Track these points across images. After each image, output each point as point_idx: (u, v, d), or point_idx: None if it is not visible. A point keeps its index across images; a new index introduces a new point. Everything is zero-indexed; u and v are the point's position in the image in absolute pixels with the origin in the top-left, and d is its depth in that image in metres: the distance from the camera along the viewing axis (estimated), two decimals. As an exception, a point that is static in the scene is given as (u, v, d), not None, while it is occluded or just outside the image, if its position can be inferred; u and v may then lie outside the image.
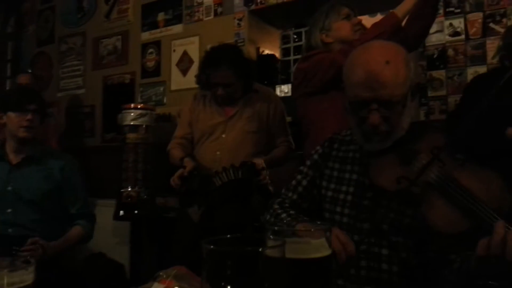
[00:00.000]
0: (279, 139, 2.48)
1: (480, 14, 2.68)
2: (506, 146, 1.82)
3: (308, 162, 1.44)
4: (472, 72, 2.67)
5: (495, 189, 0.99)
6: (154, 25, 3.92)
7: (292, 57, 3.71)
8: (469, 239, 1.02)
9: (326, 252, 0.73)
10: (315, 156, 1.43)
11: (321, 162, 1.40)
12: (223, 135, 2.42)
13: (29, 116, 2.12)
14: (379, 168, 1.18)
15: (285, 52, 3.78)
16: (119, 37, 4.13)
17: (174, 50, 3.75)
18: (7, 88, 4.72)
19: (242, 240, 0.64)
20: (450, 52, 2.76)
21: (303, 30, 3.62)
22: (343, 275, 1.20)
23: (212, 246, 0.56)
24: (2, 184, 2.14)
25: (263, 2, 3.39)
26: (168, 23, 3.84)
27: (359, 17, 2.18)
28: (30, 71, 4.46)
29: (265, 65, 3.50)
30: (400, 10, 1.91)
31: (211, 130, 2.44)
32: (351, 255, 1.04)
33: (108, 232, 3.44)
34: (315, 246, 0.72)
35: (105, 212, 3.21)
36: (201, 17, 3.67)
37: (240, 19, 3.46)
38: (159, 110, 3.64)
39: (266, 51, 3.63)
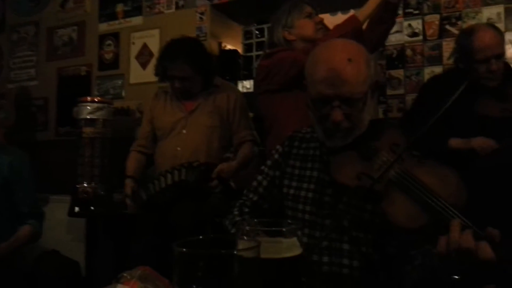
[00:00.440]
0: (240, 133, 2.46)
1: (437, 16, 2.78)
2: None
3: (268, 162, 1.44)
4: (429, 72, 2.76)
5: (452, 185, 1.02)
6: (113, 16, 3.79)
7: (254, 53, 3.70)
8: (428, 233, 1.05)
9: (298, 251, 0.72)
10: (276, 156, 1.43)
11: (282, 161, 1.40)
12: (184, 131, 2.39)
13: None
14: (339, 164, 1.19)
15: (248, 47, 3.77)
16: (75, 27, 3.96)
17: (133, 43, 3.65)
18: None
19: (210, 241, 0.62)
20: (409, 52, 2.84)
21: (265, 26, 3.62)
22: (306, 272, 1.21)
23: (183, 249, 0.54)
24: None
25: (225, -4, 3.36)
26: (127, 14, 3.72)
27: (321, 16, 2.20)
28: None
29: (227, 61, 3.48)
30: (361, 14, 1.95)
31: (172, 126, 2.41)
32: None
33: (62, 229, 3.33)
34: (287, 246, 0.72)
35: (59, 208, 3.10)
36: (161, 9, 3.58)
37: (202, 13, 3.41)
38: (117, 104, 3.54)
39: (229, 46, 3.60)
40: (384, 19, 1.96)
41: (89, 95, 3.48)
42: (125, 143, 2.62)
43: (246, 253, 0.57)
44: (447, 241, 0.89)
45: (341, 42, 1.29)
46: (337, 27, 1.96)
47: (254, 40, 3.74)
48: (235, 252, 0.54)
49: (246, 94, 3.01)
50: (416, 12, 2.83)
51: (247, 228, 0.71)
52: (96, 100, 3.13)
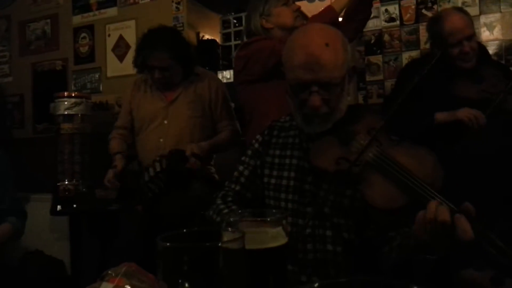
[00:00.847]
0: (222, 123, 2.45)
1: (413, 1, 2.80)
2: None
3: (249, 152, 1.44)
4: (407, 56, 2.78)
5: (428, 166, 1.04)
6: (86, 8, 3.70)
7: (233, 43, 3.66)
8: (406, 213, 1.07)
9: (283, 240, 0.72)
10: (256, 145, 1.43)
11: (262, 150, 1.40)
12: (165, 121, 2.37)
13: None
14: (318, 150, 1.20)
15: (226, 37, 3.73)
16: (48, 20, 3.86)
17: (109, 35, 3.57)
18: None
19: (195, 234, 0.62)
20: (386, 37, 2.85)
21: (243, 15, 3.57)
22: (291, 261, 1.21)
23: (167, 243, 0.53)
24: None
25: (201, -15, 3.31)
26: (101, 6, 3.64)
27: (298, 3, 2.20)
28: None
29: (205, 51, 3.44)
30: (337, 4, 1.95)
31: (152, 116, 2.38)
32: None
33: (45, 228, 3.28)
34: (273, 235, 0.72)
35: (40, 207, 3.04)
36: (137, 0, 3.51)
37: (178, 3, 3.36)
38: (95, 98, 3.48)
39: (207, 36, 3.56)
40: (360, 10, 1.97)
41: (66, 90, 3.41)
42: (105, 138, 2.58)
43: (231, 244, 0.56)
44: (424, 216, 0.91)
45: (318, 27, 1.29)
46: (314, 17, 1.96)
47: (232, 30, 3.69)
48: (219, 245, 0.54)
49: (226, 85, 2.98)
50: (393, -3, 2.84)
51: (232, 219, 0.71)
52: (73, 95, 3.08)
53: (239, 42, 3.50)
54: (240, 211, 1.16)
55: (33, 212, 3.14)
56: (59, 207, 2.81)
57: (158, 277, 0.56)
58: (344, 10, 1.99)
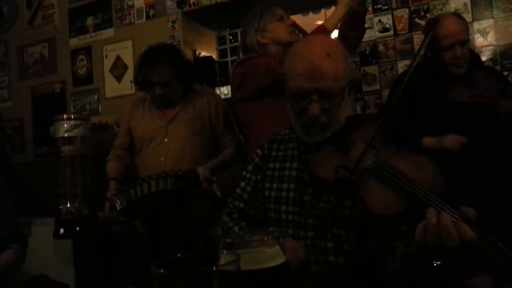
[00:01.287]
0: (225, 138, 2.45)
1: (406, 10, 2.81)
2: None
3: (249, 167, 1.44)
4: (402, 65, 2.79)
5: (428, 172, 1.05)
6: (83, 30, 3.74)
7: (229, 58, 3.69)
8: (407, 221, 1.07)
9: (281, 259, 0.72)
10: (256, 160, 1.43)
11: (262, 164, 1.40)
12: (166, 140, 2.36)
13: None
14: (318, 160, 1.21)
15: (222, 53, 3.76)
16: (46, 44, 3.90)
17: (106, 56, 3.61)
18: None
19: (193, 258, 0.61)
20: (381, 47, 2.87)
21: (238, 30, 3.61)
22: (292, 280, 1.20)
23: (161, 270, 0.53)
24: None
25: (196, 3, 3.34)
26: (98, 27, 3.68)
27: (292, 17, 2.21)
28: None
29: (202, 68, 3.47)
30: (329, 23, 1.97)
31: (152, 135, 2.38)
32: (302, 260, 1.06)
33: (49, 252, 3.25)
34: (270, 255, 0.71)
35: (43, 231, 3.03)
36: (132, 20, 3.55)
37: (174, 21, 3.39)
38: (95, 120, 3.49)
39: (203, 53, 3.59)
40: (353, 27, 1.98)
41: (65, 113, 3.40)
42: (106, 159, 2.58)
43: (226, 267, 0.56)
44: (425, 227, 0.90)
45: (319, 38, 1.33)
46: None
47: (228, 46, 3.72)
48: (214, 268, 0.53)
49: (225, 101, 3.00)
50: (385, 7, 2.86)
51: (228, 240, 0.70)
52: (72, 117, 3.07)
53: (235, 58, 3.53)
54: (236, 230, 1.17)
55: (36, 236, 3.15)
56: (62, 230, 2.80)
57: (155, 303, 0.55)
58: (338, 28, 2.01)
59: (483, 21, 2.65)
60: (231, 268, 0.57)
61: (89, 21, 3.73)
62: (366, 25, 2.13)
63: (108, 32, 3.65)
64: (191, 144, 2.35)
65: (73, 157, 2.97)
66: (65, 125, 3.00)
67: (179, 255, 0.59)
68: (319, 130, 1.23)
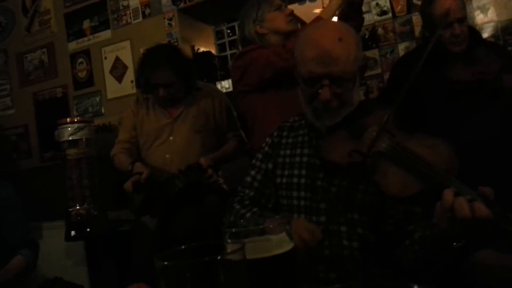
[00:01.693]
0: (228, 134, 2.45)
1: (404, -9, 2.78)
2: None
3: (259, 156, 1.44)
4: (403, 48, 2.76)
5: (443, 153, 1.04)
6: (81, 34, 3.74)
7: (228, 52, 3.68)
8: (423, 203, 1.06)
9: (288, 246, 0.71)
10: (266, 148, 1.43)
11: (272, 152, 1.40)
12: (171, 138, 2.37)
13: None
14: (330, 145, 1.21)
15: (221, 47, 3.74)
16: (44, 50, 3.90)
17: (105, 57, 3.60)
18: None
19: (199, 248, 0.61)
20: (380, 31, 2.84)
21: (235, 24, 3.60)
22: (308, 258, 1.21)
23: (165, 262, 0.52)
24: None
25: (191, -1, 3.33)
26: (95, 30, 3.68)
27: (289, 6, 2.20)
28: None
29: (202, 63, 3.45)
30: (325, 14, 1.95)
31: (157, 133, 2.38)
32: (319, 240, 1.07)
33: (62, 255, 3.29)
34: (277, 242, 0.71)
35: (55, 234, 3.06)
36: (129, 20, 3.54)
37: (170, 19, 3.38)
38: (98, 121, 3.50)
39: (202, 49, 3.58)
40: (350, 17, 1.96)
41: (69, 116, 3.44)
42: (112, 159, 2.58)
43: (231, 256, 0.56)
44: (442, 209, 0.90)
45: (331, 22, 1.35)
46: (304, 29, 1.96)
47: (226, 39, 3.71)
48: (218, 258, 0.53)
49: (226, 94, 2.99)
50: (382, -10, 2.83)
51: (233, 230, 0.70)
52: (76, 120, 3.09)
53: (234, 51, 3.52)
54: (241, 220, 1.17)
55: (48, 240, 3.17)
56: (73, 232, 2.82)
57: (162, 297, 0.55)
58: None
59: (484, -3, 2.61)
60: (236, 257, 0.57)
61: (86, 24, 3.73)
62: (363, 9, 2.10)
63: (106, 34, 3.64)
64: (196, 141, 2.36)
65: (79, 159, 2.99)
66: (69, 129, 3.02)
67: (183, 247, 0.59)
68: (329, 115, 1.23)
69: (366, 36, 2.86)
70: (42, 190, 3.54)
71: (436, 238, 0.99)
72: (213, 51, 3.69)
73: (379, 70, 2.84)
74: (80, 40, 3.74)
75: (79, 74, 3.74)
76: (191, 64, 2.42)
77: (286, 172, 1.34)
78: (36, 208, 3.30)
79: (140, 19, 3.50)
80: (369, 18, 2.83)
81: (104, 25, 3.64)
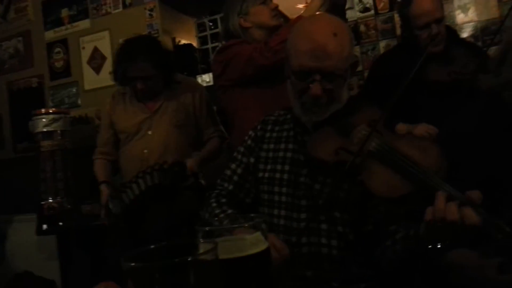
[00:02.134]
0: (208, 130, 2.41)
1: (387, -11, 2.79)
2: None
3: (241, 149, 1.41)
4: (384, 45, 2.78)
5: (432, 155, 1.02)
6: (58, 22, 3.64)
7: (210, 45, 3.64)
8: (410, 202, 1.05)
9: (263, 245, 0.69)
10: (249, 141, 1.40)
11: (255, 145, 1.38)
12: (149, 132, 2.32)
13: None
14: (316, 141, 1.19)
15: (203, 40, 3.70)
16: (20, 38, 3.79)
17: (83, 48, 3.52)
18: None
19: (170, 248, 0.58)
20: (362, 28, 2.84)
21: (218, 17, 3.56)
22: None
23: (133, 264, 0.49)
24: None
25: (173, -10, 3.27)
26: (73, 19, 3.59)
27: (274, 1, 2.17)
28: None
29: (183, 56, 3.40)
30: (308, 13, 1.93)
31: (136, 128, 2.33)
32: (286, 258, 1.05)
33: (33, 249, 3.21)
34: (252, 241, 0.68)
35: (26, 227, 2.99)
36: (109, 10, 3.46)
37: (151, 10, 3.31)
38: (74, 113, 3.42)
39: (183, 41, 3.52)
40: None
41: (44, 107, 3.34)
42: (87, 152, 2.52)
43: (203, 257, 0.53)
44: (433, 211, 0.89)
45: (327, 16, 1.31)
46: (287, 27, 1.93)
47: (208, 32, 3.67)
48: (189, 259, 0.50)
49: (206, 88, 2.95)
50: (366, -13, 2.83)
51: (207, 229, 0.67)
52: (51, 111, 3.01)
53: (216, 44, 3.47)
54: (216, 218, 1.14)
55: (19, 233, 3.09)
56: (44, 226, 2.75)
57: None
58: None
59: (464, -4, 2.64)
60: (208, 257, 0.54)
61: (64, 12, 3.63)
62: (346, 6, 2.10)
63: (84, 23, 3.56)
64: (175, 136, 2.31)
65: (53, 151, 2.92)
66: (44, 120, 2.94)
67: (152, 246, 0.56)
68: (317, 110, 1.21)
69: (348, 33, 2.85)
70: (14, 182, 3.44)
71: (421, 239, 0.98)
72: (195, 44, 3.65)
73: (360, 68, 2.84)
74: (57, 29, 3.65)
75: (56, 64, 3.64)
76: (170, 56, 2.37)
77: (268, 167, 1.31)
78: (8, 200, 3.21)
79: (121, 9, 3.42)
80: (352, 14, 2.83)
81: (82, 14, 3.55)
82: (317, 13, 1.67)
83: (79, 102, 3.53)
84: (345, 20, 2.04)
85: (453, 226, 0.86)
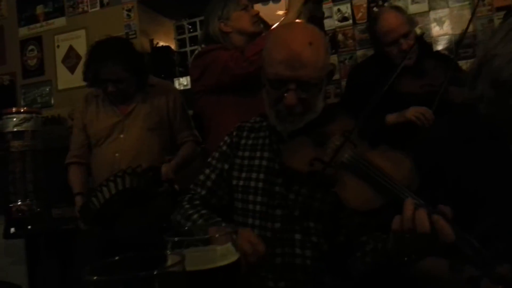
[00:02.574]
0: (182, 134, 2.39)
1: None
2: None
3: (216, 154, 1.39)
4: (361, 54, 2.81)
5: (405, 168, 1.02)
6: (33, 19, 3.57)
7: (188, 48, 3.60)
8: (382, 215, 1.04)
9: (234, 257, 0.68)
10: (224, 147, 1.38)
11: (230, 152, 1.36)
12: (121, 135, 2.28)
13: None
14: (291, 151, 1.18)
15: (181, 43, 3.66)
16: (-8, 34, 3.69)
17: (58, 46, 3.45)
18: None
19: (136, 259, 0.56)
20: (340, 37, 2.87)
21: (197, 20, 3.53)
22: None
23: (95, 277, 0.47)
24: None
25: (153, -9, 3.24)
26: (48, 16, 3.52)
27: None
28: None
29: (160, 58, 3.36)
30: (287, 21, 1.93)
31: (108, 131, 2.28)
32: (261, 255, 1.02)
33: (0, 253, 3.10)
34: (222, 253, 0.67)
35: (-7, 231, 2.88)
36: (85, 8, 3.41)
37: (129, 10, 3.27)
38: (47, 113, 3.34)
39: (161, 43, 3.48)
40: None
41: (15, 106, 3.23)
42: (59, 153, 2.46)
43: (170, 269, 0.51)
44: (401, 219, 0.88)
45: (303, 25, 1.30)
46: (263, 38, 1.93)
47: (187, 35, 3.63)
48: (155, 272, 0.48)
49: (184, 91, 2.93)
50: (345, -4, 2.87)
51: (176, 239, 0.66)
52: (22, 110, 2.93)
53: (195, 48, 3.45)
54: (186, 227, 1.12)
55: (-16, 236, 2.98)
56: (12, 229, 2.67)
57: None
58: None
59: (439, 11, 2.70)
60: (176, 269, 0.52)
61: (39, 9, 3.56)
62: (325, 15, 2.11)
63: (60, 21, 3.49)
64: (148, 140, 2.28)
65: (23, 152, 2.84)
66: (14, 119, 2.85)
67: (117, 258, 0.54)
68: (293, 120, 1.20)
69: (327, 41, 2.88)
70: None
71: (389, 253, 0.98)
72: (173, 46, 3.61)
73: (337, 76, 2.87)
74: (32, 26, 3.57)
75: (29, 61, 3.56)
76: (143, 59, 2.33)
77: (243, 175, 1.30)
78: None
79: (98, 8, 3.38)
80: (330, 23, 2.85)
81: (58, 11, 3.49)
82: (294, 21, 1.67)
83: (52, 101, 3.46)
84: (324, 31, 2.04)
85: (423, 238, 0.84)
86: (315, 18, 1.90)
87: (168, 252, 0.61)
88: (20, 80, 3.59)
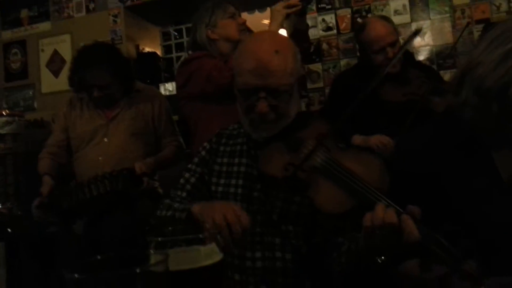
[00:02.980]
0: (166, 139, 2.38)
1: (349, 10, 2.88)
2: None
3: (196, 159, 1.40)
4: (344, 63, 2.86)
5: (375, 170, 1.05)
6: (17, 23, 3.54)
7: (174, 55, 3.62)
8: (353, 217, 1.07)
9: (218, 257, 0.68)
10: (203, 153, 1.39)
11: (209, 158, 1.37)
12: (105, 139, 2.26)
13: None
14: (267, 157, 1.19)
15: (167, 49, 3.67)
16: (-25, 37, 3.65)
17: (42, 50, 3.43)
18: None
19: (119, 258, 0.57)
20: (324, 46, 2.91)
21: (183, 27, 3.55)
22: (240, 269, 1.19)
23: (76, 275, 0.48)
24: None
25: (139, -3, 3.25)
26: (33, 20, 3.50)
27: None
28: None
29: (146, 64, 3.37)
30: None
31: (91, 134, 2.26)
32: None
33: (-22, 257, 3.04)
34: (206, 253, 0.68)
35: (-29, 235, 2.83)
36: (71, 13, 3.39)
37: (115, 16, 3.27)
38: (29, 116, 3.30)
39: (147, 49, 3.49)
40: (296, 44, 1.98)
41: (-3, 109, 3.22)
42: (42, 157, 2.43)
43: (153, 268, 0.52)
44: (372, 217, 0.91)
45: (269, 34, 1.32)
46: None
47: (173, 42, 3.65)
48: (137, 270, 0.49)
49: (169, 97, 2.93)
50: (329, 7, 2.92)
51: (160, 239, 0.66)
52: (4, 113, 2.91)
53: (181, 54, 3.46)
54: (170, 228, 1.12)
55: (-37, 241, 2.92)
56: (-8, 233, 2.62)
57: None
58: None
59: (421, 22, 2.76)
60: (158, 269, 0.53)
61: (24, 13, 3.54)
62: (310, 24, 2.14)
63: (45, 26, 3.47)
64: (132, 144, 2.27)
65: (4, 155, 2.82)
66: (-4, 122, 2.83)
67: (99, 257, 0.54)
68: (266, 127, 1.21)
69: (311, 50, 2.92)
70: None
71: (361, 252, 1.01)
72: (159, 52, 3.62)
73: (321, 84, 2.91)
74: (16, 29, 3.55)
75: (12, 65, 3.53)
76: (129, 64, 2.33)
77: (222, 181, 1.30)
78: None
79: (84, 13, 3.37)
80: (315, 33, 2.90)
81: (43, 16, 3.47)
82: (261, 31, 1.70)
83: (35, 105, 3.43)
84: (309, 42, 2.07)
85: (391, 233, 0.88)
86: (299, 31, 1.93)
87: (152, 251, 0.62)
88: (2, 83, 3.55)
